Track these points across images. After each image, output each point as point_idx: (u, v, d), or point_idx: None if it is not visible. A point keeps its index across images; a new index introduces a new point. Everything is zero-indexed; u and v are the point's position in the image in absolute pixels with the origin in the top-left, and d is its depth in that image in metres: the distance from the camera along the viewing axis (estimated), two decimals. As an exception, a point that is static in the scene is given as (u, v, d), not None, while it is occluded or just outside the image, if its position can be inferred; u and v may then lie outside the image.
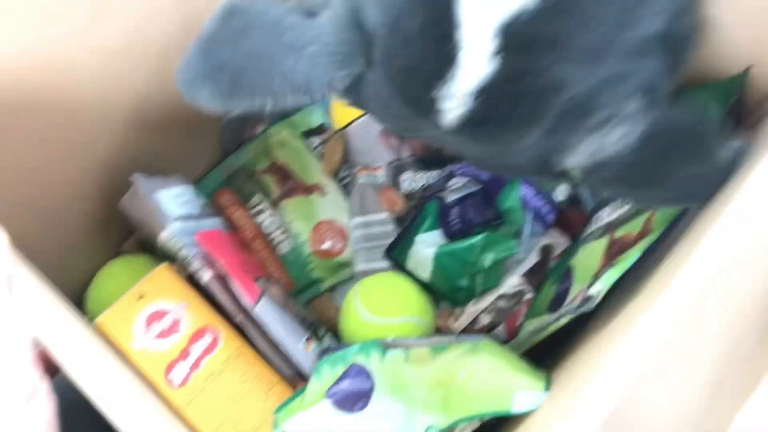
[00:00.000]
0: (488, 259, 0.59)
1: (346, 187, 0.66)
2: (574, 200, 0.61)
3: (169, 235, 0.53)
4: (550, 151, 0.39)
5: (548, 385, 0.42)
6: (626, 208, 0.48)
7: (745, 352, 0.32)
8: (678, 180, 0.39)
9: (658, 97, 0.38)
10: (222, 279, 0.51)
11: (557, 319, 0.45)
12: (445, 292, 0.59)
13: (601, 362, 0.36)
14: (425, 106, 0.39)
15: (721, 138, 0.39)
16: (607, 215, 0.50)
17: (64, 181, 0.53)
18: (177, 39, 0.53)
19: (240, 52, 0.42)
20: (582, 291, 0.43)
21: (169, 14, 0.51)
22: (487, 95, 0.37)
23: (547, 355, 0.53)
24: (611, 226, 0.49)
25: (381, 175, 0.64)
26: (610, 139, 0.37)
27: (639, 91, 0.37)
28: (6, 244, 0.35)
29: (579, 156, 0.39)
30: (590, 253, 0.50)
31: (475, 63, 0.36)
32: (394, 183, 0.64)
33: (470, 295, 0.59)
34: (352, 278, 0.65)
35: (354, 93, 0.43)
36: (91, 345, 0.40)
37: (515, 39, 0.36)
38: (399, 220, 0.64)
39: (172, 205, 0.54)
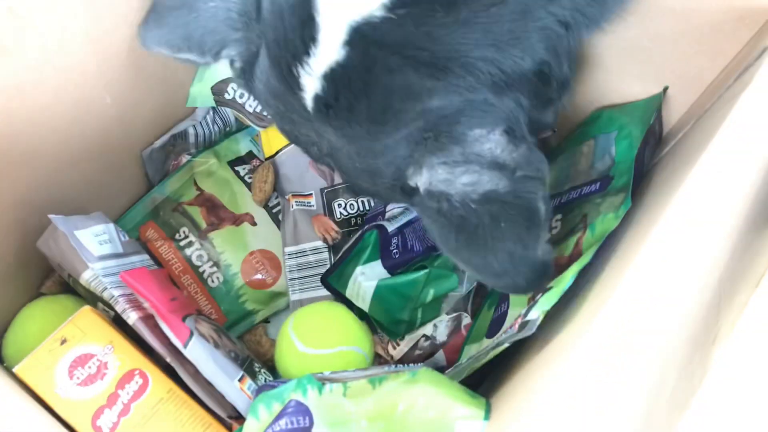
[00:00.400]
0: (430, 294, 0.59)
1: (277, 216, 0.65)
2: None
3: (91, 276, 0.50)
4: (409, 161, 0.41)
5: (488, 413, 0.42)
6: (557, 230, 0.49)
7: (679, 368, 0.33)
8: (497, 254, 0.40)
9: (517, 146, 0.40)
10: (150, 318, 0.49)
11: (496, 345, 0.45)
12: (384, 325, 0.59)
13: (535, 389, 0.36)
14: (292, 80, 0.41)
15: (545, 232, 0.41)
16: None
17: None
18: (91, 68, 0.51)
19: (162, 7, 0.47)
20: (520, 316, 0.43)
21: (80, 42, 0.49)
22: (338, 79, 0.39)
23: (486, 379, 0.53)
24: (543, 249, 0.49)
25: (312, 202, 0.63)
26: (459, 179, 0.39)
27: (498, 128, 0.39)
28: None
29: (427, 177, 0.40)
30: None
31: (329, 47, 0.38)
32: (328, 210, 0.63)
33: (409, 328, 0.58)
34: (288, 308, 0.63)
35: (248, 73, 0.45)
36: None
37: (363, 35, 0.38)
38: (334, 248, 0.63)
39: (93, 245, 0.52)
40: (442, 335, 0.57)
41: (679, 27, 0.48)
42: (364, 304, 0.59)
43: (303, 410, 0.45)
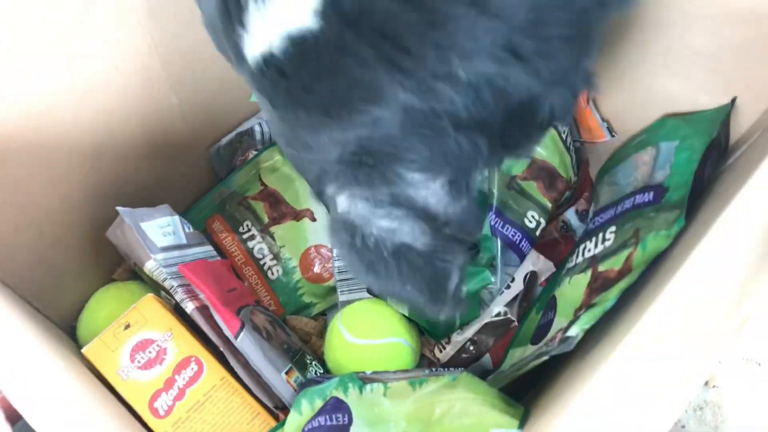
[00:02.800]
0: (462, 291, 0.58)
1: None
2: (565, 227, 0.60)
3: (153, 266, 0.53)
4: (328, 175, 0.37)
5: (523, 422, 0.42)
6: (610, 242, 0.48)
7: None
8: (405, 298, 0.38)
9: (457, 199, 0.35)
10: (206, 309, 0.52)
11: (537, 356, 0.45)
12: (424, 326, 0.59)
13: (567, 404, 0.36)
14: (236, 12, 0.34)
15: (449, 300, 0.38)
16: (592, 248, 0.50)
17: (50, 213, 0.53)
18: (156, 71, 0.53)
19: None
20: (561, 330, 0.43)
21: (145, 48, 0.52)
22: (307, 49, 0.33)
23: (531, 387, 0.52)
24: (595, 260, 0.48)
25: None
26: (378, 221, 0.35)
27: (442, 176, 0.34)
28: None
29: (346, 205, 0.36)
30: (574, 286, 0.49)
31: (297, 8, 0.32)
32: None
33: (449, 329, 0.58)
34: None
35: None
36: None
37: (341, 10, 0.31)
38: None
39: (157, 236, 0.55)
40: (488, 339, 0.57)
41: (748, 34, 0.46)
42: (404, 308, 0.58)
43: (343, 408, 0.46)
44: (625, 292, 0.41)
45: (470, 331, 0.57)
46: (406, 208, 0.35)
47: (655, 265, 0.42)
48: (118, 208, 0.53)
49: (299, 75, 0.33)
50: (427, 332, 0.59)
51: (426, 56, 0.31)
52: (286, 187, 0.67)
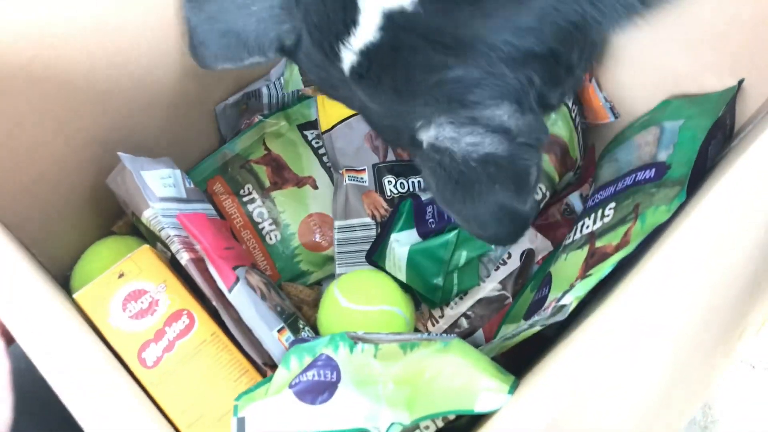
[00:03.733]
0: (463, 256, 0.58)
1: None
2: (568, 210, 0.60)
3: (151, 215, 0.53)
4: (420, 116, 0.45)
5: (513, 389, 0.42)
6: (609, 218, 0.48)
7: (700, 358, 0.32)
8: (488, 207, 0.44)
9: (524, 114, 0.44)
10: (201, 262, 0.51)
11: (528, 327, 0.44)
12: (421, 292, 0.59)
13: (556, 369, 0.36)
14: (333, 55, 0.46)
15: (533, 195, 0.45)
16: (590, 224, 0.50)
17: (51, 155, 0.53)
18: (169, 16, 0.53)
19: (203, 17, 0.51)
20: (554, 300, 0.42)
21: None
22: (371, 55, 0.44)
23: (525, 363, 0.52)
24: (593, 236, 0.48)
25: (365, 178, 0.64)
26: (464, 138, 0.43)
27: (508, 99, 0.43)
28: None
29: (434, 133, 0.44)
30: (570, 262, 0.49)
31: (367, 29, 0.44)
32: (378, 186, 0.64)
33: (446, 295, 0.58)
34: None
35: (297, 52, 0.50)
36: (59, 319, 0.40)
37: (394, 22, 0.43)
38: (382, 225, 0.64)
39: (157, 186, 0.55)
40: (482, 315, 0.57)
41: (758, 11, 0.45)
42: (401, 273, 0.59)
43: (332, 365, 0.46)
44: (623, 266, 0.41)
45: (464, 306, 0.57)
46: (483, 126, 0.43)
47: (653, 240, 0.42)
48: (120, 154, 0.53)
49: (370, 73, 0.46)
50: (424, 299, 0.59)
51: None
52: (290, 154, 0.67)
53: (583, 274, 0.45)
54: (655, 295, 0.33)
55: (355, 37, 0.44)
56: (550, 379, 0.33)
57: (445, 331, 0.57)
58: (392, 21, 0.43)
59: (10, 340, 0.36)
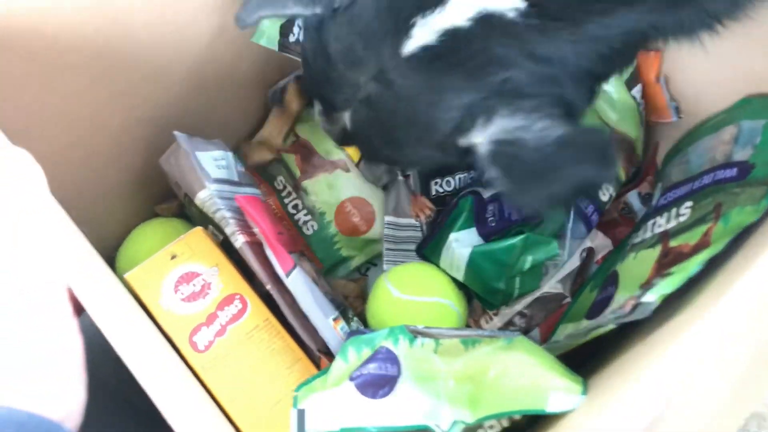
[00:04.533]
0: (528, 261, 0.56)
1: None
2: (627, 209, 0.59)
3: (206, 196, 0.51)
4: (480, 111, 0.44)
5: (585, 389, 0.40)
6: (685, 217, 0.46)
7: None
8: (573, 183, 0.44)
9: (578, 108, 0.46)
10: (256, 245, 0.50)
11: (599, 326, 0.43)
12: (479, 294, 0.57)
13: (646, 367, 0.34)
14: (403, 26, 0.45)
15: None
16: (663, 223, 0.48)
17: (106, 131, 0.52)
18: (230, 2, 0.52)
19: None
20: (633, 298, 0.41)
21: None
22: (458, 38, 0.44)
23: (585, 364, 0.51)
24: (666, 235, 0.46)
25: (412, 183, 0.63)
26: (535, 124, 0.43)
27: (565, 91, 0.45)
28: (44, 180, 0.34)
29: (503, 124, 0.44)
30: (640, 262, 0.48)
31: (455, 14, 0.43)
32: (424, 189, 0.63)
33: (506, 298, 0.56)
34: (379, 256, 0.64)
35: (338, 16, 0.48)
36: (121, 296, 0.39)
37: (489, 23, 0.43)
38: (429, 224, 0.62)
39: (211, 167, 0.53)
40: (539, 314, 0.55)
41: None
42: (459, 273, 0.57)
43: (392, 358, 0.45)
44: (707, 266, 0.39)
45: (520, 304, 0.55)
46: (549, 113, 0.43)
47: (741, 241, 0.40)
48: (175, 133, 0.51)
49: (448, 55, 0.44)
50: (482, 301, 0.57)
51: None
52: (317, 135, 0.65)
53: (659, 273, 0.44)
54: (753, 303, 0.31)
55: (441, 16, 0.44)
56: (646, 384, 0.31)
57: (500, 329, 0.56)
58: (487, 21, 0.43)
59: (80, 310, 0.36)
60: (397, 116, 0.48)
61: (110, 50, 0.47)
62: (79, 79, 0.47)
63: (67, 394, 0.30)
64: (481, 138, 0.45)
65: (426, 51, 0.45)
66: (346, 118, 0.52)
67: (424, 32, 0.44)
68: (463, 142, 0.47)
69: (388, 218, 0.63)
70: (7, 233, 0.31)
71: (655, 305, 0.38)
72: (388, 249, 0.62)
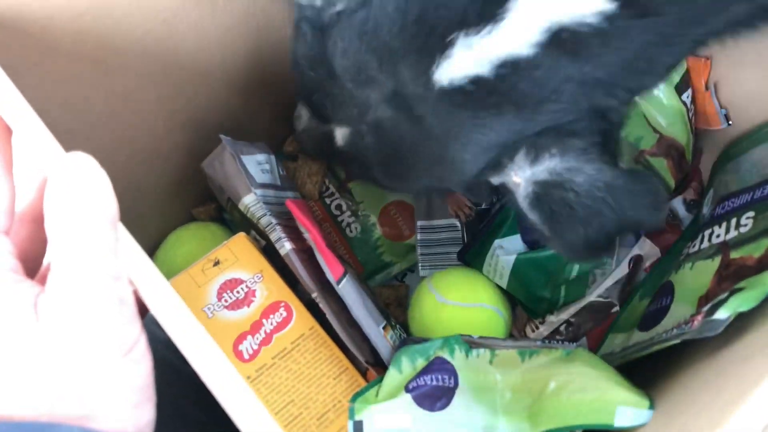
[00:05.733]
0: (575, 269, 0.55)
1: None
2: (672, 215, 0.58)
3: (252, 201, 0.50)
4: (522, 147, 0.40)
5: (652, 404, 0.39)
6: (747, 228, 0.45)
7: None
8: (620, 229, 0.40)
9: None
10: (302, 252, 0.49)
11: (664, 340, 0.42)
12: (523, 302, 0.56)
13: (720, 391, 0.33)
14: (437, 43, 0.37)
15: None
16: (722, 233, 0.47)
17: (150, 133, 0.51)
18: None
19: None
20: (701, 314, 0.39)
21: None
22: (519, 71, 0.36)
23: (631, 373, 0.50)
24: (726, 246, 0.45)
25: None
26: (585, 166, 0.39)
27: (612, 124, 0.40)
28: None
29: (551, 164, 0.39)
30: (698, 273, 0.46)
31: (515, 38, 0.36)
32: None
33: (551, 306, 0.55)
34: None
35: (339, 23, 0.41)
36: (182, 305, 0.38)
37: (559, 41, 0.35)
38: (468, 225, 0.61)
39: (256, 171, 0.52)
40: (587, 322, 0.54)
41: None
42: (502, 281, 0.55)
43: (449, 369, 0.44)
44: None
45: (567, 313, 0.54)
46: (600, 151, 0.39)
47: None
48: (222, 136, 0.50)
49: (505, 92, 0.38)
50: (526, 309, 0.56)
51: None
52: None
53: (720, 286, 0.43)
54: None
55: (494, 39, 0.36)
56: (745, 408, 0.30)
57: (546, 338, 0.54)
58: (557, 40, 0.35)
59: (143, 311, 0.34)
60: (415, 151, 0.42)
61: (158, 52, 0.46)
62: (125, 81, 0.45)
63: (139, 416, 0.29)
64: (521, 177, 0.41)
65: (473, 84, 0.37)
66: (340, 134, 0.47)
67: (471, 58, 0.37)
68: (495, 180, 0.42)
69: (421, 222, 0.62)
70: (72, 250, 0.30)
71: (727, 323, 0.37)
72: (422, 254, 0.61)
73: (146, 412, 0.30)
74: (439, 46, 0.37)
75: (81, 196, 0.29)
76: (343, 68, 0.42)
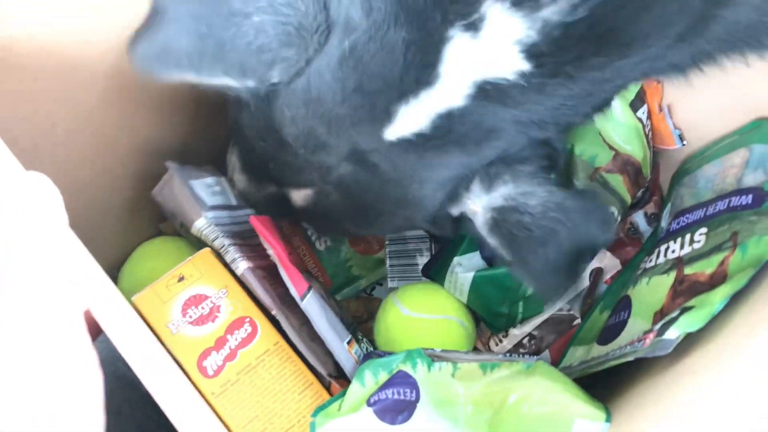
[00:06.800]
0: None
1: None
2: (633, 229, 0.59)
3: (203, 225, 0.51)
4: (476, 177, 0.43)
5: (609, 416, 0.40)
6: (700, 244, 0.46)
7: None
8: (575, 250, 0.43)
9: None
10: (258, 269, 0.49)
11: (618, 357, 0.43)
12: (483, 317, 0.57)
13: (670, 405, 0.34)
14: (381, 113, 0.40)
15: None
16: (677, 249, 0.48)
17: (113, 151, 0.51)
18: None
19: (183, 11, 0.39)
20: (652, 332, 0.40)
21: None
22: (453, 120, 0.40)
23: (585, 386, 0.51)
24: (680, 261, 0.47)
25: None
26: (537, 189, 0.42)
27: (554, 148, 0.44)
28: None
29: (506, 191, 0.42)
30: (653, 288, 0.48)
31: (448, 95, 0.39)
32: None
33: (510, 322, 0.56)
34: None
35: (280, 92, 0.42)
36: (138, 322, 0.38)
37: (486, 93, 0.39)
38: (435, 238, 0.62)
39: (206, 195, 0.52)
40: (549, 335, 0.55)
41: None
42: (462, 297, 0.56)
43: (411, 383, 0.44)
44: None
45: (530, 326, 0.55)
46: (546, 174, 0.42)
47: (760, 277, 0.40)
48: (168, 164, 0.51)
49: (443, 137, 0.41)
50: (486, 323, 0.57)
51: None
52: None
53: (674, 302, 0.44)
54: None
55: (430, 98, 0.39)
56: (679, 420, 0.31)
57: (509, 351, 0.55)
58: (484, 92, 0.39)
59: (95, 334, 0.35)
60: (381, 197, 0.45)
61: (121, 70, 0.46)
62: (89, 98, 0.46)
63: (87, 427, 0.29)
64: (478, 205, 0.44)
65: (418, 137, 0.41)
66: (300, 196, 0.49)
67: (412, 118, 0.40)
68: (455, 211, 0.45)
69: (390, 235, 0.62)
70: (23, 262, 0.30)
71: (676, 342, 0.38)
72: (391, 265, 0.62)
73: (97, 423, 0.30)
74: (383, 115, 0.40)
75: (33, 207, 0.30)
76: (294, 136, 0.44)
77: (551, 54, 0.37)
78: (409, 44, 0.38)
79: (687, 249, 0.47)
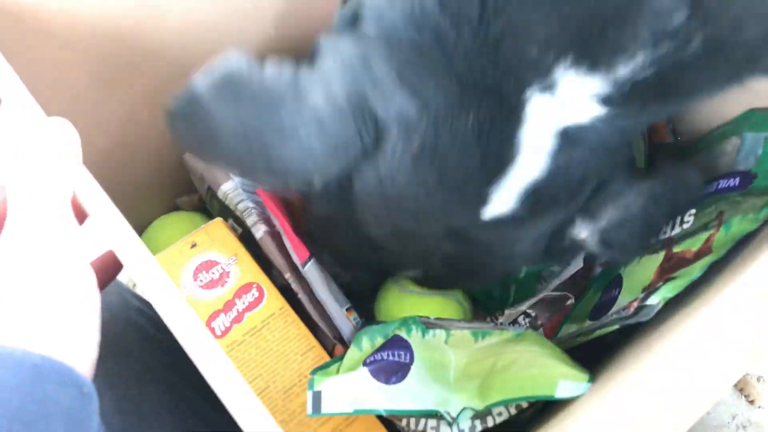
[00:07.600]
0: (522, 270, 0.58)
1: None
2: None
3: (230, 188, 0.53)
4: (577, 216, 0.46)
5: (591, 378, 0.42)
6: (689, 224, 0.48)
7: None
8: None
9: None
10: (276, 236, 0.52)
11: (603, 326, 0.45)
12: (478, 299, 0.59)
13: (639, 367, 0.36)
14: (474, 198, 0.42)
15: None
16: (668, 230, 0.50)
17: (136, 124, 0.54)
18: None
19: (226, 123, 0.39)
20: (636, 300, 0.42)
21: None
22: (534, 194, 0.41)
23: (590, 365, 0.52)
24: (671, 241, 0.48)
25: None
26: (630, 193, 0.45)
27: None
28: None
29: (608, 215, 0.45)
30: (644, 266, 0.49)
31: (532, 167, 0.40)
32: None
33: (502, 304, 0.58)
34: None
35: (342, 183, 0.43)
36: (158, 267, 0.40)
37: (567, 136, 0.40)
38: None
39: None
40: (542, 315, 0.57)
41: None
42: None
43: (405, 346, 0.46)
44: (709, 272, 0.41)
45: (524, 305, 0.57)
46: (629, 173, 0.46)
47: (739, 249, 0.42)
48: None
49: (538, 206, 0.43)
50: (481, 305, 0.59)
51: None
52: None
53: (661, 278, 0.46)
54: (746, 304, 0.33)
55: (516, 176, 0.41)
56: (644, 373, 0.33)
57: (505, 327, 0.57)
58: (565, 137, 0.40)
59: (105, 281, 0.37)
60: (488, 259, 0.48)
61: (146, 43, 0.49)
62: (115, 70, 0.48)
63: (80, 344, 0.30)
64: (585, 234, 0.47)
65: (512, 213, 0.43)
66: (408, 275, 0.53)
67: (504, 198, 0.42)
68: (565, 244, 0.48)
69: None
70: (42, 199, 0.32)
71: (657, 308, 0.40)
72: None
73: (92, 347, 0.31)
74: (476, 200, 0.42)
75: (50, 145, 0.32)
76: (383, 236, 0.46)
77: (621, 102, 0.39)
78: (481, 124, 0.39)
79: (677, 230, 0.49)
